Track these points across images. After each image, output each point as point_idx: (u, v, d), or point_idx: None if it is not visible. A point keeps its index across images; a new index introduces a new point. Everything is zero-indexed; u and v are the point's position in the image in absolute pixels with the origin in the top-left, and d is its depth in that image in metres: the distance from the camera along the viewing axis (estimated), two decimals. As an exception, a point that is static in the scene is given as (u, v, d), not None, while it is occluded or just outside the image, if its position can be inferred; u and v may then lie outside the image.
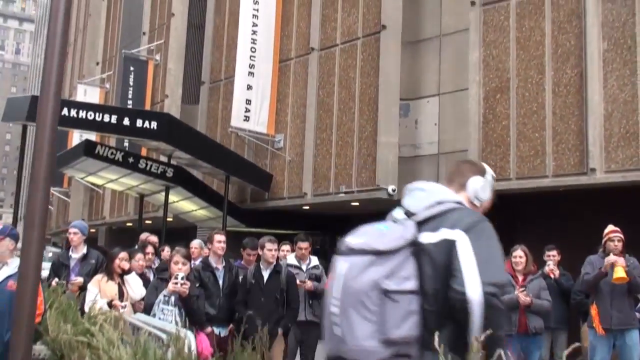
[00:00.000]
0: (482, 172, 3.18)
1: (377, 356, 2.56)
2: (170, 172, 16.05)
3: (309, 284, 8.16)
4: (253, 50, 16.50)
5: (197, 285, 6.97)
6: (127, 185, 17.86)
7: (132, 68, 22.19)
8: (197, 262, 8.13)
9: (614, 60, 11.40)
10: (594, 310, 7.30)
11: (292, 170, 16.20)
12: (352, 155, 14.62)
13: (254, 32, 16.51)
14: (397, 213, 2.91)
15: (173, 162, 16.67)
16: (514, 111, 12.41)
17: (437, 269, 2.65)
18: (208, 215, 17.86)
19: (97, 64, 28.60)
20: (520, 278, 7.54)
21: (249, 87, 16.37)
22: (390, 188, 13.59)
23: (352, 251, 2.70)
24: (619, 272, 6.96)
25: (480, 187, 3.10)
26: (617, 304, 7.13)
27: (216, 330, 7.14)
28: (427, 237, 2.72)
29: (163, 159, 16.97)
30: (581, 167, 11.56)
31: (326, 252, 18.37)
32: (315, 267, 8.54)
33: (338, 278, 2.67)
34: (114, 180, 17.58)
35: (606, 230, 7.50)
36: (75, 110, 13.79)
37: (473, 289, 2.52)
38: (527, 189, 12.34)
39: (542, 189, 12.19)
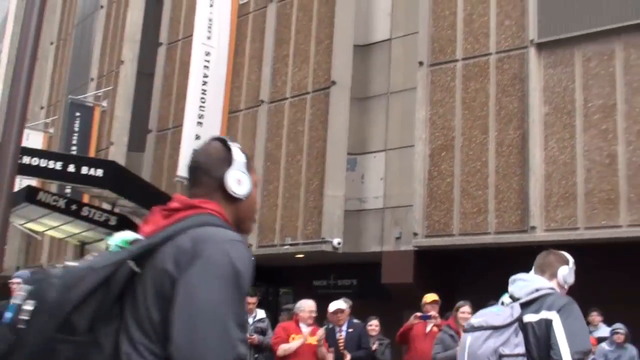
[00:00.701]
0: (567, 262, 3.96)
1: None
2: (113, 220, 15.81)
3: (255, 338, 8.12)
4: (203, 100, 16.56)
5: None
6: (69, 232, 17.51)
7: (77, 114, 21.93)
8: None
9: (555, 123, 11.86)
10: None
11: (237, 222, 16.15)
12: (299, 207, 14.68)
13: (205, 83, 16.60)
14: (505, 298, 3.91)
15: (116, 210, 16.44)
16: (458, 169, 12.73)
17: (539, 340, 3.55)
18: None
19: (42, 108, 28.21)
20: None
21: (197, 137, 16.36)
22: (335, 241, 13.67)
23: (474, 328, 3.67)
24: None
25: (568, 274, 3.90)
26: None
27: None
28: (530, 317, 3.62)
29: (106, 206, 16.73)
30: (522, 224, 11.87)
31: (269, 304, 18.25)
32: (260, 320, 8.51)
33: (464, 348, 3.68)
34: (55, 228, 17.22)
35: None
36: (19, 155, 13.54)
37: (566, 356, 3.43)
38: (470, 245, 12.58)
39: (485, 245, 12.44)
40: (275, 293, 19.29)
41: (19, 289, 1.89)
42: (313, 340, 7.66)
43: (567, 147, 11.69)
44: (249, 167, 2.13)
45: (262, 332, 8.30)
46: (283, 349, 7.58)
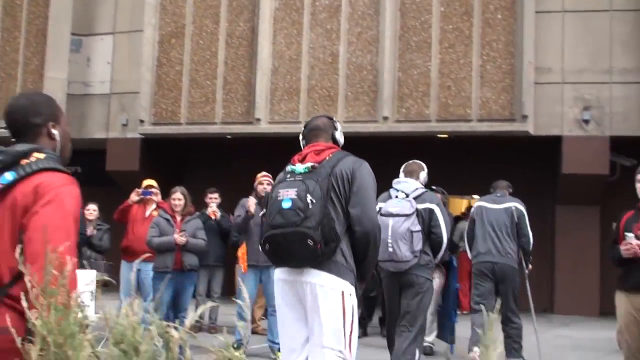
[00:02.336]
0: (424, 168, 6.23)
1: (411, 262, 5.70)
2: None
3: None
4: None
5: None
6: None
7: None
8: None
9: (284, 19, 12.13)
10: (242, 249, 7.85)
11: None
12: (15, 88, 13.57)
13: None
14: (399, 194, 5.92)
15: None
16: (188, 57, 12.60)
17: (424, 221, 5.81)
18: None
19: None
20: (179, 219, 7.77)
21: None
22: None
23: (392, 215, 5.75)
24: None
25: (426, 177, 6.24)
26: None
27: None
28: (419, 207, 5.81)
29: None
30: (248, 116, 12.18)
31: None
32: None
33: (388, 227, 5.62)
34: None
35: (258, 175, 8.06)
36: None
37: (445, 233, 5.90)
38: (196, 134, 12.68)
39: (211, 135, 12.61)
40: None
41: None
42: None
43: (294, 43, 12.07)
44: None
45: None
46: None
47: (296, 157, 3.92)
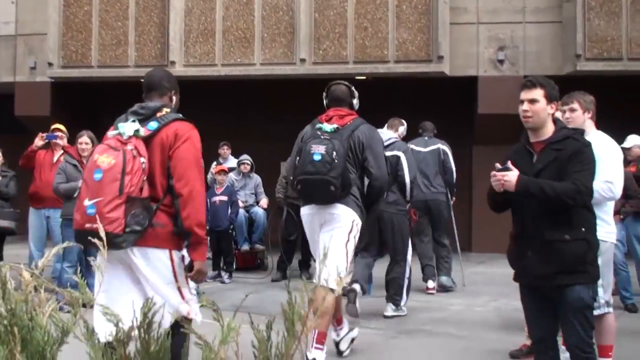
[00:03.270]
0: (403, 124, 7.67)
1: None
2: None
3: None
4: None
5: None
6: None
7: None
8: None
9: (197, -43, 11.72)
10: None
11: None
12: None
13: None
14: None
15: None
16: (95, -2, 12.08)
17: (392, 166, 6.59)
18: None
19: None
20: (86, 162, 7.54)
21: None
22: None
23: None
24: None
25: (404, 129, 7.65)
26: None
27: None
28: (388, 154, 6.09)
29: None
30: (162, 59, 11.84)
31: None
32: None
33: None
34: None
35: None
36: None
37: (407, 177, 6.90)
38: (109, 78, 12.27)
39: (124, 79, 12.21)
40: None
41: None
42: None
43: (208, -18, 11.71)
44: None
45: None
46: None
47: (323, 117, 5.19)
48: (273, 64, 11.50)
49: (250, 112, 13.43)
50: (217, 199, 9.25)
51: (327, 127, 5.03)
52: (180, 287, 3.58)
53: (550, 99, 3.72)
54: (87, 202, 3.43)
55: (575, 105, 4.62)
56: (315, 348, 4.81)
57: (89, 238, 2.96)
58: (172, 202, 3.50)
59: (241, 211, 9.76)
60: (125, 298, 3.38)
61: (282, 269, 9.31)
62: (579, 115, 4.62)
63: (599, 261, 3.88)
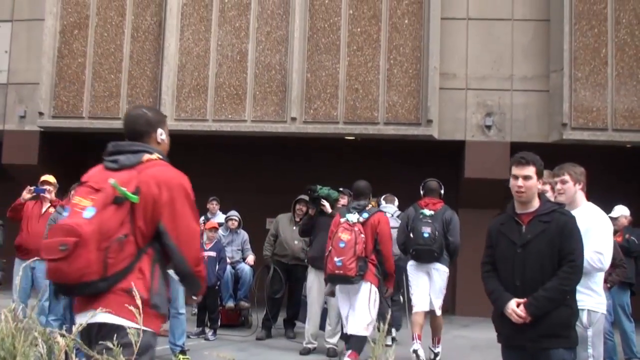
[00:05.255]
0: (395, 199, 9.71)
1: None
2: None
3: None
4: None
5: None
6: None
7: None
8: None
9: (192, 15, 11.93)
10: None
11: None
12: None
13: None
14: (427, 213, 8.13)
15: None
16: (91, 49, 12.20)
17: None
18: None
19: None
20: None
21: None
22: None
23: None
24: None
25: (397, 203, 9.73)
26: None
27: None
28: (396, 224, 8.55)
29: None
30: (153, 113, 11.87)
31: None
32: None
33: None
34: None
35: None
36: None
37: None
38: (99, 129, 12.29)
39: (116, 130, 12.22)
40: None
41: None
42: None
43: (202, 39, 11.88)
44: None
45: None
46: None
47: (422, 203, 7.83)
48: (264, 121, 11.61)
49: (238, 168, 13.48)
50: (205, 254, 9.19)
51: (427, 212, 7.63)
52: (370, 308, 6.78)
53: (539, 175, 4.03)
54: (336, 259, 6.68)
55: (567, 177, 4.67)
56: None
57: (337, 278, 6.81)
58: (376, 258, 6.88)
59: (227, 267, 9.71)
60: (347, 310, 6.93)
61: (267, 327, 9.23)
62: (570, 187, 4.66)
63: (590, 332, 3.97)
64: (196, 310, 9.45)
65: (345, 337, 7.53)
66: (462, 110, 11.63)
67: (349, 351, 6.66)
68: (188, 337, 8.19)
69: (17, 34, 12.90)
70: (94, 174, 3.21)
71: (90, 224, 2.88)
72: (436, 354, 7.94)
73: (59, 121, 12.29)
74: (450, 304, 12.03)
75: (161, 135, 3.29)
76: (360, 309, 6.71)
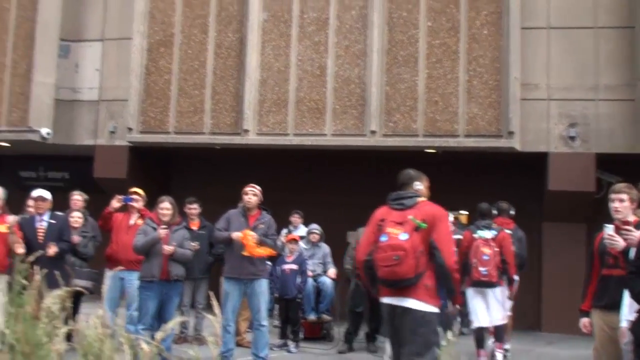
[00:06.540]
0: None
1: None
2: None
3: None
4: None
5: None
6: None
7: None
8: None
9: (272, 30, 12.16)
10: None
11: None
12: (3, 92, 13.55)
13: None
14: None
15: None
16: (176, 66, 12.60)
17: None
18: None
19: None
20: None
21: None
22: (44, 131, 12.92)
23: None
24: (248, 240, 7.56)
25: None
26: (248, 257, 7.64)
27: None
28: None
29: None
30: (236, 127, 12.18)
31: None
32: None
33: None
34: None
35: (246, 187, 8.03)
36: None
37: None
38: (184, 144, 12.67)
39: (199, 145, 12.61)
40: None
41: None
42: (3, 228, 7.30)
43: (282, 55, 12.09)
44: None
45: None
46: (-33, 235, 7.22)
47: (498, 221, 8.63)
48: (344, 135, 11.71)
49: (319, 182, 13.60)
50: (287, 267, 9.35)
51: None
52: (504, 304, 8.21)
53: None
54: (481, 269, 7.90)
55: (624, 196, 5.22)
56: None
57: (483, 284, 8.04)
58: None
59: (309, 280, 9.82)
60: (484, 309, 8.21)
61: (349, 340, 9.29)
62: (627, 206, 5.20)
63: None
64: (279, 322, 9.59)
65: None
66: (545, 121, 11.42)
67: (497, 343, 8.32)
68: (270, 349, 8.34)
69: (107, 52, 13.44)
70: (386, 213, 5.12)
71: (407, 243, 4.81)
72: (506, 350, 8.59)
73: (146, 136, 12.72)
74: (536, 321, 11.81)
75: (417, 185, 5.26)
76: (498, 306, 8.18)
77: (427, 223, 4.87)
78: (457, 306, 5.40)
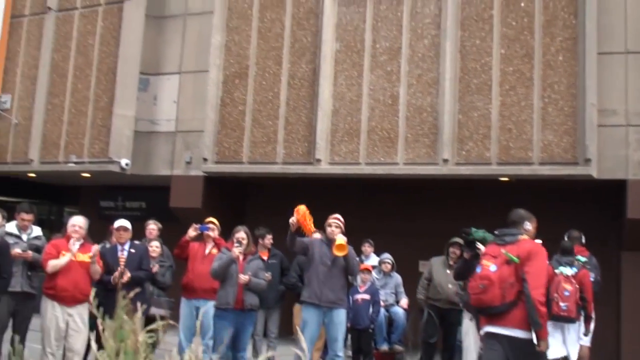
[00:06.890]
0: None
1: None
2: None
3: (30, 254, 7.84)
4: (-18, 1, 15.18)
5: None
6: None
7: None
8: None
9: (344, 60, 12.30)
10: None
11: (18, 134, 15.19)
12: (86, 124, 14.12)
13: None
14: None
15: None
16: (251, 97, 12.87)
17: None
18: None
19: None
20: (241, 258, 7.88)
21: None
22: (123, 162, 13.37)
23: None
24: (339, 240, 7.58)
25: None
26: (330, 284, 7.70)
27: None
28: None
29: None
30: (308, 156, 12.33)
31: (52, 223, 17.56)
32: (37, 237, 8.20)
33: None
34: None
35: (329, 218, 8.09)
36: None
37: None
38: (258, 174, 12.88)
39: (272, 174, 12.79)
40: (59, 212, 18.62)
41: None
42: (86, 257, 7.55)
43: (355, 84, 12.20)
44: None
45: (38, 249, 8.01)
46: (52, 265, 7.43)
47: (579, 250, 8.40)
48: (416, 163, 11.69)
49: (391, 211, 13.59)
50: (359, 297, 9.36)
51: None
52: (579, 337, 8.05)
53: None
54: (562, 304, 7.60)
55: None
56: None
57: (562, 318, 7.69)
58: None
59: (382, 310, 9.80)
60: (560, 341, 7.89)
61: (422, 372, 9.22)
62: None
63: None
64: (351, 353, 9.59)
65: None
66: (623, 148, 11.13)
67: None
68: (344, 379, 8.32)
69: (184, 85, 13.84)
70: (491, 249, 5.67)
71: (495, 274, 5.38)
72: None
73: (221, 166, 13.01)
74: (615, 354, 11.44)
75: (527, 226, 5.85)
76: (574, 342, 8.15)
77: (521, 258, 5.38)
78: (545, 341, 5.32)
